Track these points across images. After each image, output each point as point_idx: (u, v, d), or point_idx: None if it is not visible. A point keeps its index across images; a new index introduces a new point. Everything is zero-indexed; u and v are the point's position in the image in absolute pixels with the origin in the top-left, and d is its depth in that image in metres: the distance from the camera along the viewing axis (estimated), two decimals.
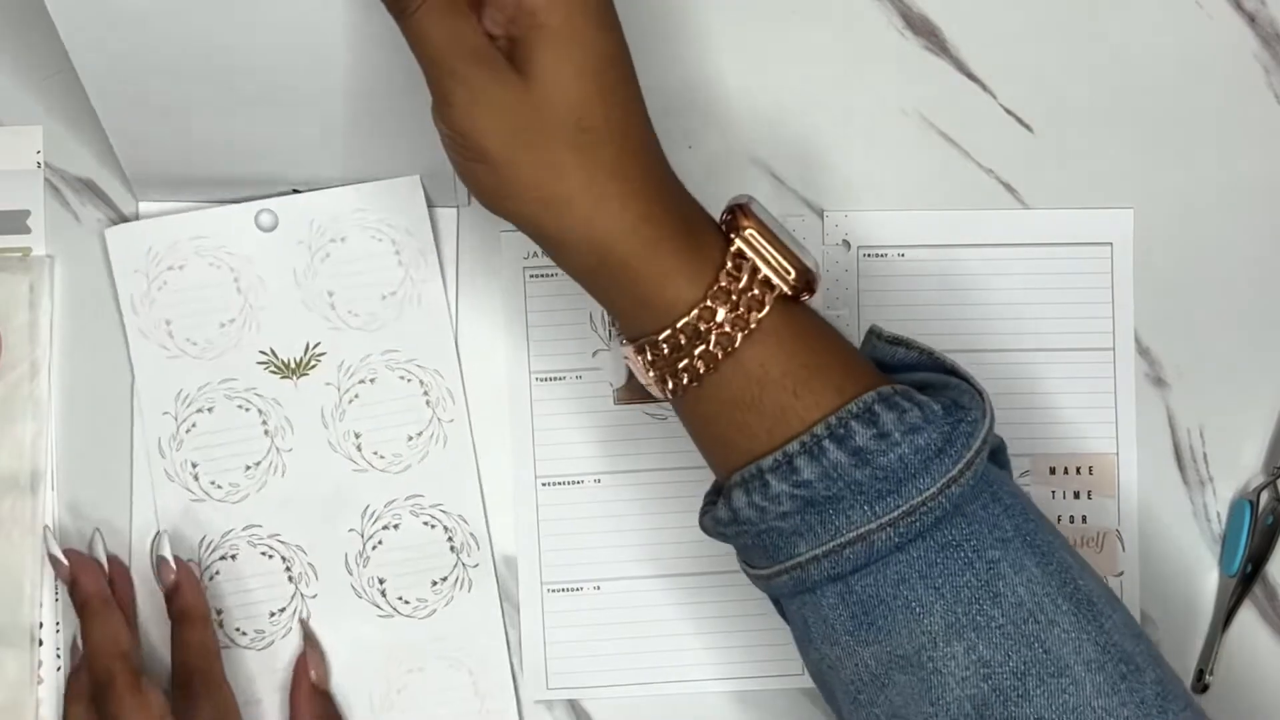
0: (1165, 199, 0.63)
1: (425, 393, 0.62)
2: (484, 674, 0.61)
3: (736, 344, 0.47)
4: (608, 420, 0.62)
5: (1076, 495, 0.62)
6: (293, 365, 0.61)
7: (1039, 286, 0.62)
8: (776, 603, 0.51)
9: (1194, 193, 0.63)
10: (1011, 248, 0.62)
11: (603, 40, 0.46)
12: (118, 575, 0.60)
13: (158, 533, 0.60)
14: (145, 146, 0.59)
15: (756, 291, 0.47)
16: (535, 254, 0.62)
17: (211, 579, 0.61)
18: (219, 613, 0.61)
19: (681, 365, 0.47)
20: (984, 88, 0.63)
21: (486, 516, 0.61)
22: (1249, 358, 0.63)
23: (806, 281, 0.48)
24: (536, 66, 0.45)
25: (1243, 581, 0.61)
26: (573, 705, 0.61)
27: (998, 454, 0.50)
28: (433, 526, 0.61)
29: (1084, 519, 0.62)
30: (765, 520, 0.47)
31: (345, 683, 0.61)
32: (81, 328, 0.62)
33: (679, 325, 0.47)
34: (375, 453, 0.61)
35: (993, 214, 0.63)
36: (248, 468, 0.61)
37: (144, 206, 0.62)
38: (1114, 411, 0.62)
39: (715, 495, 0.51)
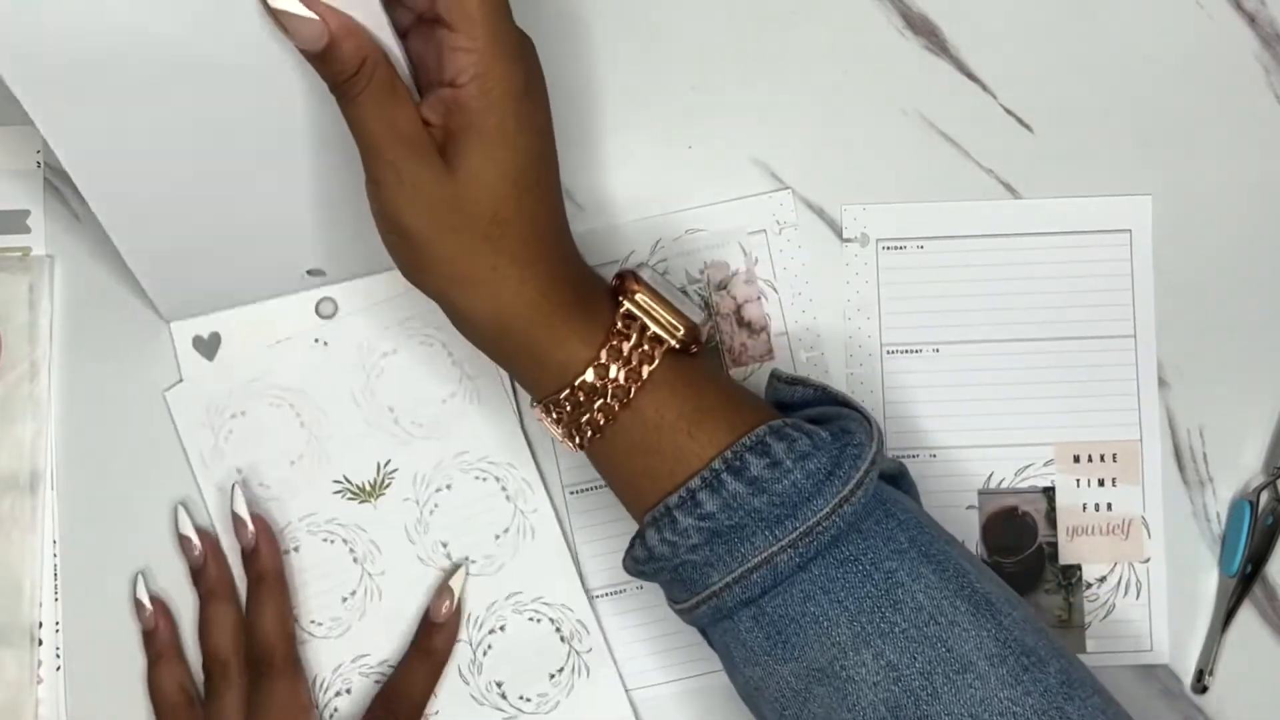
0: (1164, 200, 0.63)
1: (503, 488, 0.62)
2: None
3: (631, 395, 0.51)
4: None
5: (1101, 483, 0.62)
6: (368, 487, 0.62)
7: (1058, 275, 0.62)
8: (704, 633, 0.54)
9: (1193, 194, 0.63)
10: (1030, 237, 0.62)
11: (529, 143, 0.50)
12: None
13: (234, 486, 0.60)
14: (163, 265, 0.59)
15: (646, 347, 0.51)
16: None
17: (332, 715, 0.61)
18: None
19: (584, 419, 0.52)
20: (984, 88, 0.63)
21: (591, 601, 0.62)
22: (1249, 358, 0.63)
23: (694, 335, 0.53)
24: (464, 163, 0.49)
25: (1242, 582, 0.61)
26: None
27: (898, 480, 0.55)
28: (538, 621, 0.61)
29: (1109, 506, 0.62)
30: (678, 555, 0.51)
31: None
32: (81, 328, 0.62)
33: (577, 384, 0.51)
34: (466, 557, 0.61)
35: (1010, 204, 0.63)
36: (344, 599, 0.61)
37: (175, 327, 0.62)
38: (1136, 399, 0.62)
39: (634, 536, 0.53)
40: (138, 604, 0.61)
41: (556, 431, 0.53)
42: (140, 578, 0.61)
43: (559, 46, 0.63)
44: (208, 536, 0.61)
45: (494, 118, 0.49)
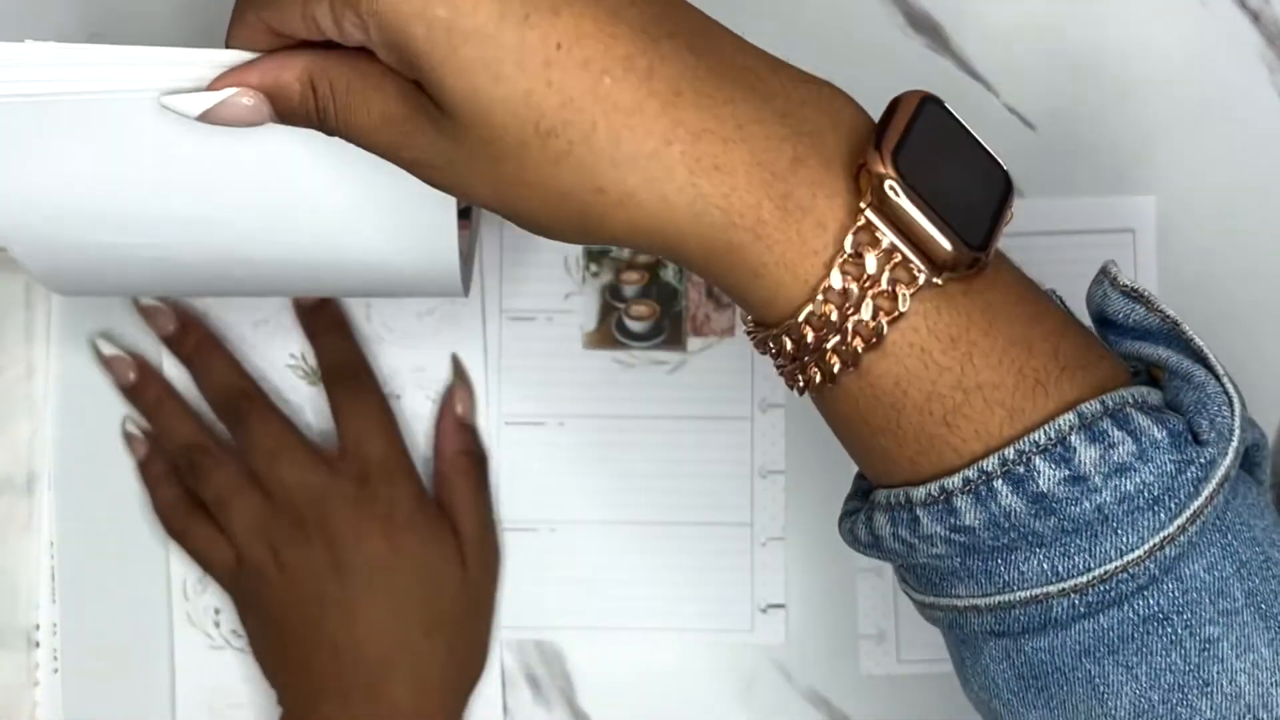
0: (1167, 200, 0.63)
1: None
2: None
3: (860, 356, 0.36)
4: (576, 364, 0.62)
5: None
6: (317, 372, 0.62)
7: (1061, 275, 0.62)
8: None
9: (1197, 193, 0.63)
10: (1032, 236, 0.62)
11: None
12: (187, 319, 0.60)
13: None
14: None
15: (887, 286, 0.36)
16: None
17: None
18: None
19: (791, 369, 0.38)
20: (987, 86, 0.63)
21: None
22: (1252, 358, 0.63)
23: (971, 258, 0.36)
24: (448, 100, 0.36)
25: None
26: (539, 645, 0.61)
27: (1250, 453, 0.39)
28: None
29: None
30: (914, 556, 0.39)
31: None
32: (78, 327, 0.62)
33: (775, 331, 0.37)
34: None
35: (1014, 203, 0.62)
36: None
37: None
38: None
39: (861, 499, 0.41)
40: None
41: (774, 364, 0.39)
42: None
43: None
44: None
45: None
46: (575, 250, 0.62)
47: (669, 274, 0.62)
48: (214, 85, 0.39)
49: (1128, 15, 0.63)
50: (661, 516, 0.62)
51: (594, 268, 0.62)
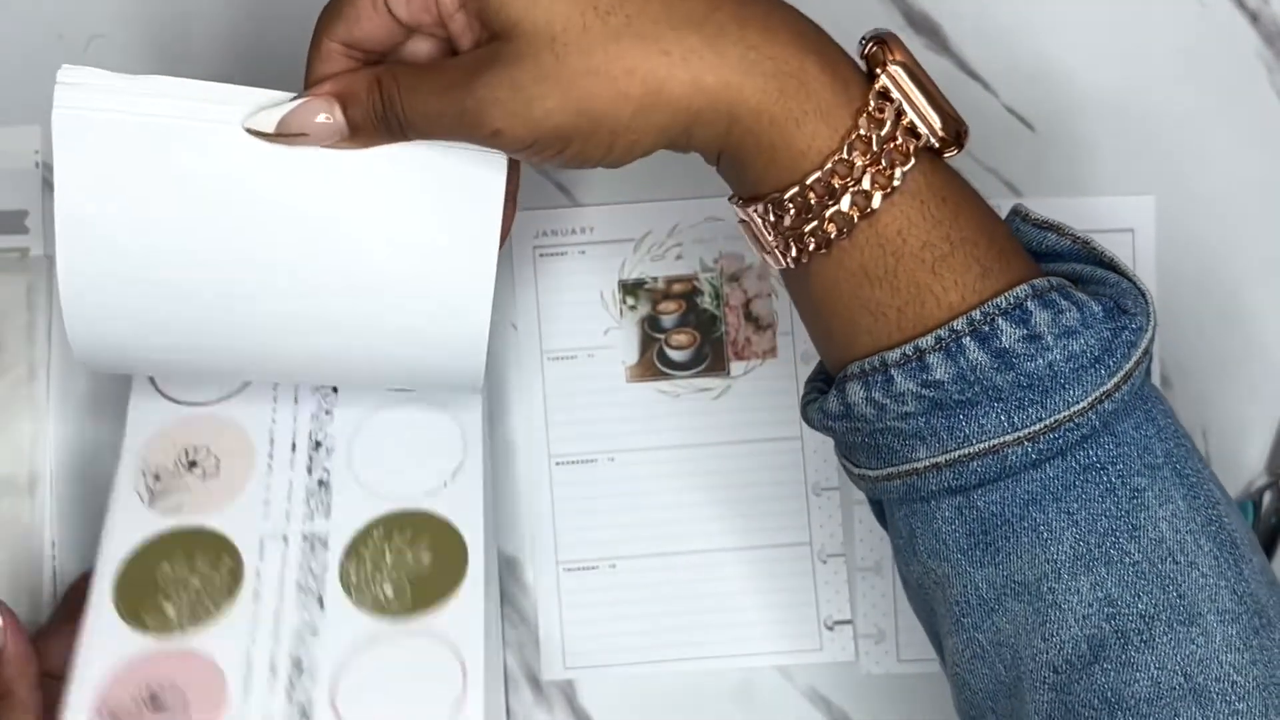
0: (1166, 199, 0.63)
1: None
2: None
3: (874, 204, 0.41)
4: (621, 398, 0.62)
5: None
6: None
7: None
8: (876, 504, 0.47)
9: (1196, 193, 0.63)
10: None
11: None
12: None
13: None
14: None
15: (900, 141, 0.41)
16: (544, 233, 0.62)
17: None
18: None
19: (809, 229, 0.42)
20: (986, 86, 0.63)
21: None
22: (1252, 358, 0.63)
23: (956, 133, 0.42)
24: (504, 24, 0.41)
25: None
26: (566, 687, 0.61)
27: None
28: None
29: None
30: (883, 419, 0.43)
31: None
32: None
33: (809, 181, 0.41)
34: None
35: (1012, 203, 0.62)
36: None
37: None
38: None
39: (823, 384, 0.46)
40: None
41: (767, 238, 0.43)
42: None
43: None
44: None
45: None
46: (611, 285, 0.62)
47: (706, 301, 0.62)
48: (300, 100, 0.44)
49: (1127, 16, 0.63)
50: (719, 544, 0.62)
51: (630, 301, 0.62)
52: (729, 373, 0.62)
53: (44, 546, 0.61)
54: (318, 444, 0.57)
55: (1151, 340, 0.42)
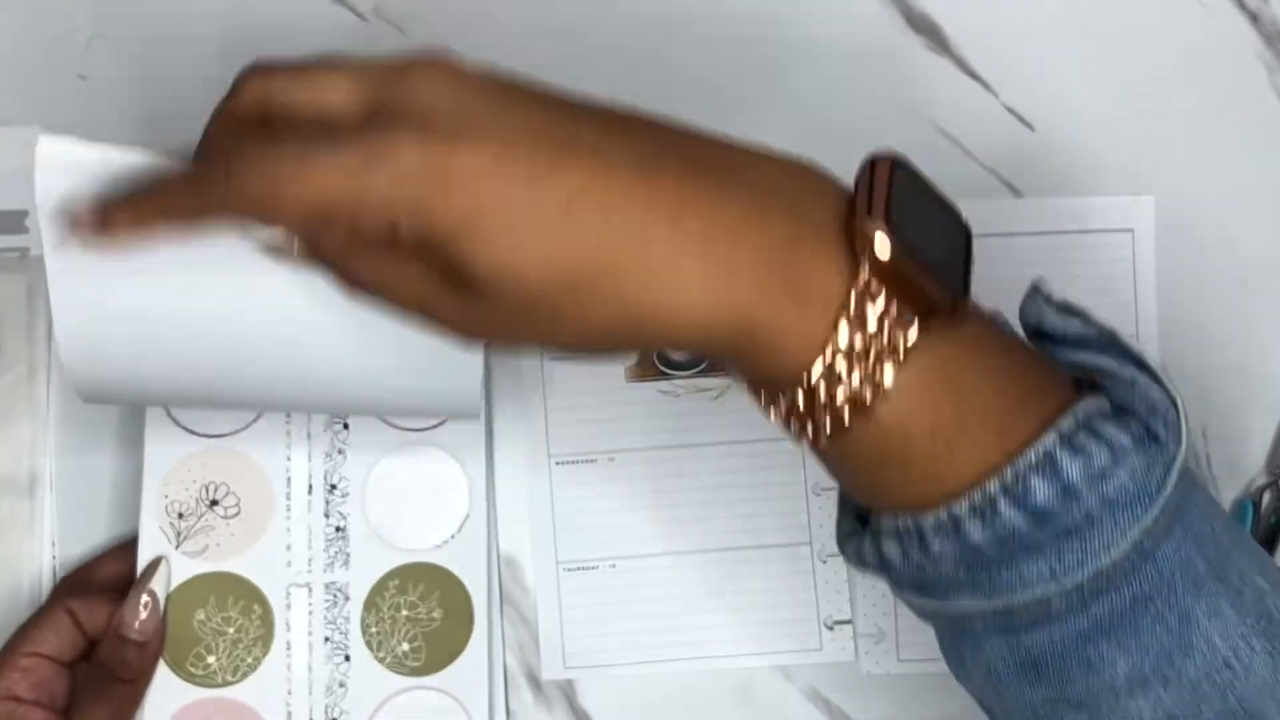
0: (1166, 199, 0.63)
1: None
2: None
3: (867, 403, 0.39)
4: (621, 398, 0.62)
5: None
6: None
7: (1060, 275, 0.62)
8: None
9: (1195, 193, 0.63)
10: (1031, 236, 0.62)
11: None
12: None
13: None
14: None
15: (888, 336, 0.39)
16: None
17: None
18: None
19: (805, 424, 0.40)
20: (986, 86, 0.63)
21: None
22: (1251, 358, 0.63)
23: (953, 302, 0.40)
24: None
25: None
26: (566, 687, 0.61)
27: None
28: None
29: None
30: (922, 574, 0.42)
31: None
32: None
33: (790, 388, 0.40)
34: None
35: (1012, 203, 0.63)
36: None
37: None
38: None
39: (859, 521, 0.44)
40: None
41: (775, 422, 0.42)
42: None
43: (559, 45, 0.63)
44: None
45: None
46: None
47: None
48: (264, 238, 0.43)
49: (1126, 16, 0.63)
50: (720, 543, 0.61)
51: None
52: (729, 373, 0.62)
53: (44, 546, 0.61)
54: (333, 487, 0.59)
55: (1185, 457, 0.40)
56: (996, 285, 0.62)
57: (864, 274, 0.38)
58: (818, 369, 0.39)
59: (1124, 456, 0.39)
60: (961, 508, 0.39)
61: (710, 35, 0.63)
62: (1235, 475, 0.62)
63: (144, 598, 0.56)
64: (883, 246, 0.38)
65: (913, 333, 0.39)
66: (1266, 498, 0.61)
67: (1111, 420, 0.40)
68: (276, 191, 0.39)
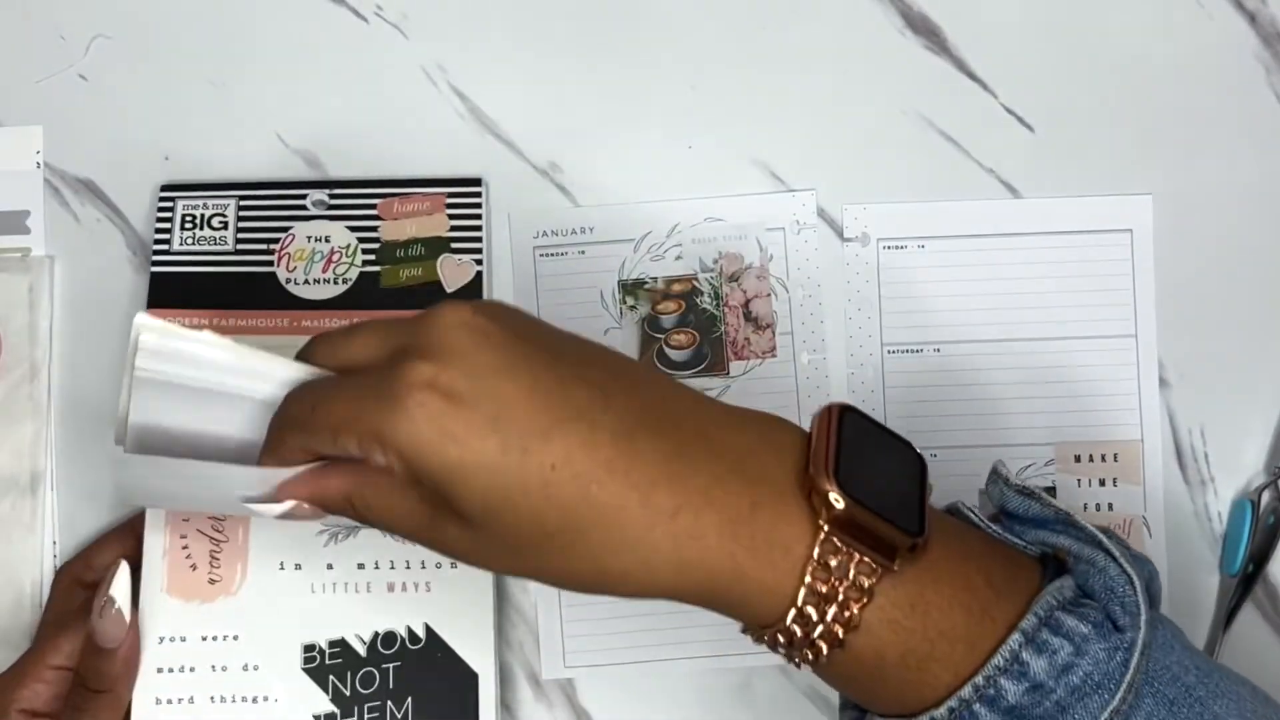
0: (1164, 199, 0.63)
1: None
2: None
3: (840, 638, 0.42)
4: None
5: (1102, 483, 0.62)
6: None
7: (1059, 275, 0.62)
8: None
9: (1194, 193, 0.63)
10: (1030, 236, 0.62)
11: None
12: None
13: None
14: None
15: (852, 579, 0.42)
16: (544, 234, 0.62)
17: None
18: None
19: (788, 655, 0.44)
20: (984, 87, 0.63)
21: None
22: (1250, 357, 0.63)
23: (912, 542, 0.42)
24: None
25: (1244, 582, 0.61)
26: (566, 686, 0.61)
27: (1151, 594, 0.46)
28: None
29: (1110, 506, 0.62)
30: None
31: None
32: (81, 328, 0.62)
33: (770, 632, 0.43)
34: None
35: (1011, 204, 0.63)
36: None
37: None
38: (1137, 398, 0.62)
39: (855, 710, 0.47)
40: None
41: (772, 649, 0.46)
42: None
43: (559, 45, 0.63)
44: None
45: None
46: (611, 285, 0.62)
47: (705, 301, 0.62)
48: (279, 496, 0.45)
49: (1126, 16, 0.63)
50: None
51: (630, 301, 0.62)
52: (729, 372, 0.62)
53: (44, 546, 0.61)
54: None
55: (1148, 635, 0.43)
56: (997, 285, 0.63)
57: (823, 529, 0.42)
58: (790, 616, 0.42)
59: (1086, 646, 0.42)
60: (940, 714, 0.43)
61: (710, 35, 0.63)
62: (1234, 475, 0.62)
63: (101, 604, 0.54)
64: (836, 501, 0.42)
65: (875, 575, 0.42)
66: (1265, 497, 0.61)
67: (1072, 611, 0.43)
68: (314, 414, 0.44)
